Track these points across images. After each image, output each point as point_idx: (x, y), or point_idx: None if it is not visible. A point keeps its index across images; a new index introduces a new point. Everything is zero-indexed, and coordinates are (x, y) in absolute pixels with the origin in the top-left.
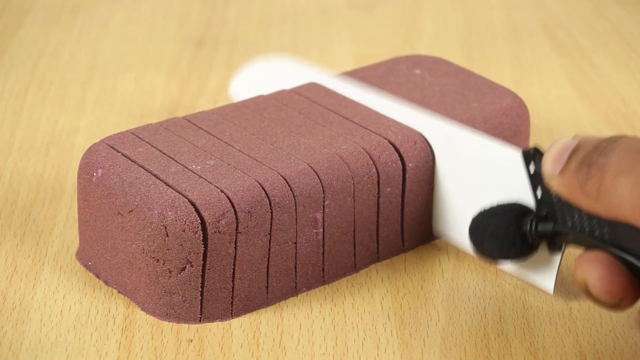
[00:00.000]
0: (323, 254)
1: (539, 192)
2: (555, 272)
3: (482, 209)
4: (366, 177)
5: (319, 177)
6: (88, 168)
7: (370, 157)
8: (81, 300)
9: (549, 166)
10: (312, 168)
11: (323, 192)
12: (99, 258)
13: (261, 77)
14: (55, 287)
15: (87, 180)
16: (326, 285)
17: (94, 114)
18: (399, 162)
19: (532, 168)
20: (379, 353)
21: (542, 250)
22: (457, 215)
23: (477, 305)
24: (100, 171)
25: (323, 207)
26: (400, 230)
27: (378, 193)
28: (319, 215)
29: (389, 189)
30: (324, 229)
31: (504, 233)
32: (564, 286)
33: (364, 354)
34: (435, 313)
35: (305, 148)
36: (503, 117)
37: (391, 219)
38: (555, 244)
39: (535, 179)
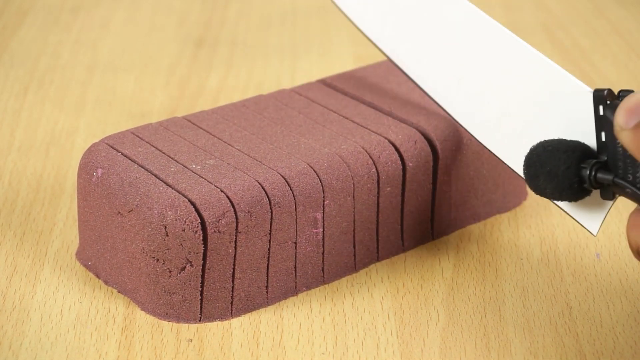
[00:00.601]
0: (323, 253)
1: (603, 136)
2: (603, 218)
3: (544, 142)
4: (366, 176)
5: (318, 176)
6: (88, 168)
7: (370, 157)
8: (81, 300)
9: (622, 117)
10: (312, 168)
11: (323, 191)
12: (99, 258)
13: None
14: (55, 287)
15: (87, 180)
16: (326, 285)
17: (93, 114)
18: (399, 162)
19: (601, 110)
20: (379, 353)
21: (594, 194)
22: (510, 130)
23: (477, 305)
24: (100, 171)
25: (323, 206)
26: (400, 230)
27: (378, 193)
28: (319, 215)
29: (389, 189)
30: (323, 228)
31: (562, 174)
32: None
33: (364, 354)
34: (435, 313)
35: (305, 148)
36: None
37: (391, 218)
38: (609, 192)
39: (602, 123)
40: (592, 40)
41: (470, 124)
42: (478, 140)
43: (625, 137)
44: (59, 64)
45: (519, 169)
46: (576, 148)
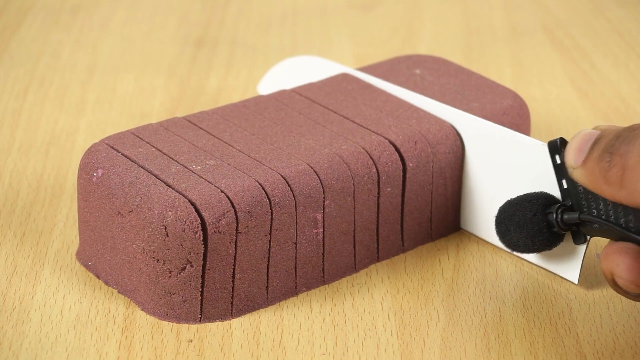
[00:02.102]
0: (323, 254)
1: (564, 183)
2: (580, 263)
3: (509, 199)
4: (366, 177)
5: (319, 177)
6: (88, 168)
7: (371, 157)
8: (81, 300)
9: (572, 157)
10: (312, 168)
11: (323, 192)
12: (99, 258)
13: (288, 74)
14: (55, 287)
15: (87, 180)
16: (326, 285)
17: (94, 114)
18: (399, 162)
19: (558, 159)
20: (379, 353)
21: (568, 242)
22: (484, 207)
23: (477, 305)
24: (100, 171)
25: (323, 207)
26: (400, 230)
27: (378, 193)
28: (319, 215)
29: (389, 189)
30: (324, 229)
31: (530, 222)
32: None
33: (364, 354)
34: (435, 313)
35: (306, 148)
36: (503, 117)
37: (391, 219)
38: (580, 234)
39: (561, 170)
40: (592, 40)
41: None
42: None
43: (578, 175)
44: (59, 64)
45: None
46: (540, 197)
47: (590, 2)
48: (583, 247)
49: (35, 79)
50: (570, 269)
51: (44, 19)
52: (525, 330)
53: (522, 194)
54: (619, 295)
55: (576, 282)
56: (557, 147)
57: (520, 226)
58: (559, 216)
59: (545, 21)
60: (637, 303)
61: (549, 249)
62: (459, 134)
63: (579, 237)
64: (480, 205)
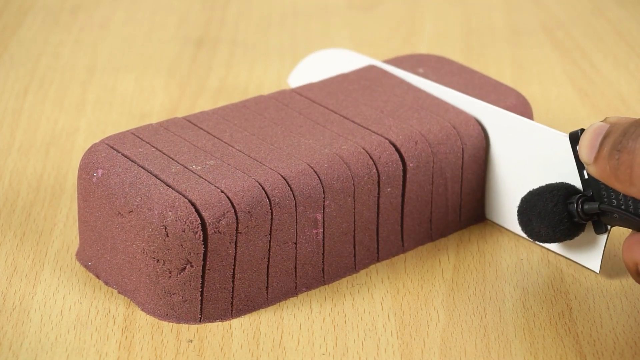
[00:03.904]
0: (323, 254)
1: (585, 173)
2: (602, 253)
3: (531, 190)
4: (366, 177)
5: (319, 177)
6: (88, 168)
7: (371, 157)
8: (81, 300)
9: (584, 154)
10: (312, 168)
11: (323, 192)
12: (99, 258)
13: (318, 66)
14: (55, 287)
15: (87, 180)
16: (326, 286)
17: (94, 114)
18: (400, 162)
19: (578, 150)
20: (379, 353)
21: (589, 231)
22: (508, 198)
23: (477, 305)
24: (100, 171)
25: (323, 207)
26: (400, 230)
27: (378, 193)
28: (319, 216)
29: (389, 189)
30: (324, 229)
31: (551, 212)
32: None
33: (364, 354)
34: (435, 313)
35: (306, 148)
36: None
37: (391, 219)
38: (601, 224)
39: (581, 161)
40: (592, 40)
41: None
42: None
43: (592, 171)
44: (59, 64)
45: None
46: (561, 187)
47: (590, 2)
48: (604, 237)
49: (35, 79)
50: (591, 258)
51: (44, 19)
52: (525, 330)
53: (544, 184)
54: (619, 295)
55: (597, 271)
56: (577, 138)
57: (541, 216)
58: (580, 206)
59: (545, 21)
60: (637, 303)
61: (570, 239)
62: (481, 125)
63: (600, 227)
64: (504, 196)
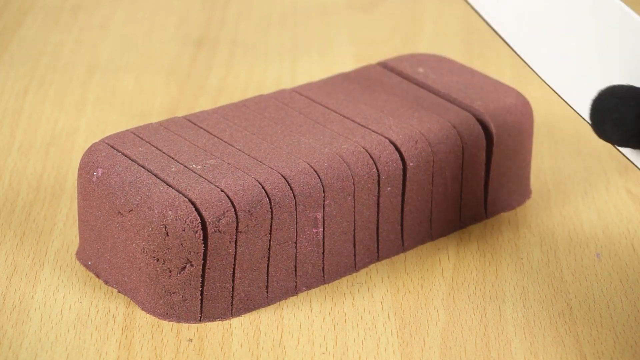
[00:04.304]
0: (323, 253)
1: None
2: None
3: (613, 87)
4: (366, 176)
5: (319, 176)
6: (88, 168)
7: (371, 157)
8: (81, 299)
9: None
10: (312, 167)
11: (323, 191)
12: (99, 258)
13: None
14: (55, 287)
15: (87, 179)
16: (326, 285)
17: (94, 114)
18: (400, 162)
19: None
20: (379, 353)
21: None
22: (576, 69)
23: (477, 305)
24: (100, 171)
25: (323, 206)
26: (400, 229)
27: (378, 192)
28: (319, 215)
29: (389, 189)
30: (324, 228)
31: (631, 122)
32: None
33: (364, 354)
34: (435, 313)
35: (306, 147)
36: (507, 115)
37: (391, 218)
38: None
39: None
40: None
41: (535, 61)
42: (543, 80)
43: None
44: (59, 64)
45: (583, 111)
46: None
47: None
48: None
49: (35, 79)
50: None
51: (44, 19)
52: (525, 329)
53: (627, 84)
54: (619, 295)
55: None
56: None
57: (618, 124)
58: None
59: None
60: (637, 303)
61: (637, 149)
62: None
63: None
64: (569, 62)
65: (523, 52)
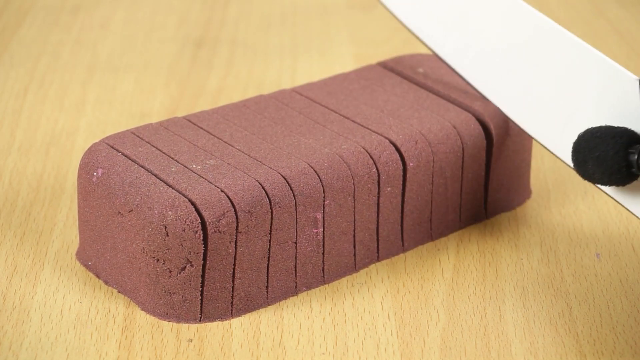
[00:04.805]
0: (323, 253)
1: None
2: None
3: (591, 129)
4: (366, 176)
5: (319, 176)
6: (88, 168)
7: (371, 157)
8: (81, 300)
9: None
10: (312, 168)
11: (323, 191)
12: (99, 258)
13: None
14: (55, 287)
15: (87, 180)
16: (326, 285)
17: (94, 114)
18: (400, 162)
19: None
20: (379, 353)
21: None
22: (555, 118)
23: (477, 306)
24: (100, 171)
25: (323, 206)
26: (400, 230)
27: (378, 193)
28: (319, 215)
29: (389, 189)
30: (324, 228)
31: (611, 159)
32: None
33: (364, 354)
34: (435, 313)
35: (306, 148)
36: None
37: (391, 218)
38: None
39: None
40: (592, 40)
41: (515, 112)
42: (523, 129)
43: None
44: (59, 64)
45: (564, 156)
46: (624, 134)
47: (590, 2)
48: None
49: (35, 79)
50: (638, 205)
51: (44, 19)
52: (525, 330)
53: (604, 124)
54: (619, 295)
55: None
56: None
57: (599, 161)
58: None
59: None
60: (637, 303)
61: (622, 186)
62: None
63: None
64: (552, 115)
65: (504, 106)
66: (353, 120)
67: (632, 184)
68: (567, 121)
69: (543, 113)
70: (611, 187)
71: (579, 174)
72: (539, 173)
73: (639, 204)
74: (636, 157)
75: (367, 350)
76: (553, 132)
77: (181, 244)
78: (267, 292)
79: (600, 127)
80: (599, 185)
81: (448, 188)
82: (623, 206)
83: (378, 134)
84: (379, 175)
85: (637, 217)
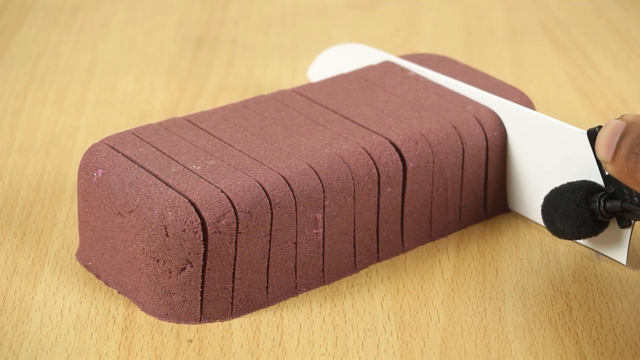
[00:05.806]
0: (323, 254)
1: (605, 170)
2: (627, 245)
3: (553, 189)
4: (366, 177)
5: (319, 177)
6: (88, 168)
7: (371, 157)
8: (81, 300)
9: (602, 153)
10: (312, 168)
11: (323, 192)
12: (99, 258)
13: (335, 61)
14: (55, 287)
15: (87, 180)
16: (326, 285)
17: (94, 114)
18: (400, 162)
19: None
20: (379, 353)
21: (614, 225)
22: (530, 190)
23: (477, 306)
24: (100, 171)
25: (323, 207)
26: (400, 230)
27: (378, 193)
28: (319, 215)
29: (389, 189)
30: (324, 229)
31: (574, 212)
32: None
33: (364, 354)
34: (435, 313)
35: (306, 148)
36: None
37: (391, 219)
38: (625, 219)
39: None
40: (592, 40)
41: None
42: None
43: (611, 170)
44: (59, 64)
45: (539, 219)
46: (582, 186)
47: (590, 2)
48: (629, 230)
49: (35, 79)
50: (617, 251)
51: (44, 19)
52: (525, 330)
53: (566, 181)
54: (618, 295)
55: (624, 263)
56: (595, 135)
57: (565, 216)
58: (602, 205)
59: (545, 21)
60: (637, 303)
61: (595, 235)
62: (500, 120)
63: (624, 222)
64: (527, 189)
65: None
66: (353, 121)
67: (607, 233)
68: (537, 188)
69: (515, 187)
70: (590, 240)
71: (553, 234)
72: None
73: (619, 250)
74: (597, 204)
75: (367, 351)
76: (526, 201)
77: (181, 245)
78: (267, 293)
79: (562, 185)
80: (580, 241)
81: (448, 188)
82: (606, 256)
83: (378, 134)
84: (379, 176)
85: (622, 264)
